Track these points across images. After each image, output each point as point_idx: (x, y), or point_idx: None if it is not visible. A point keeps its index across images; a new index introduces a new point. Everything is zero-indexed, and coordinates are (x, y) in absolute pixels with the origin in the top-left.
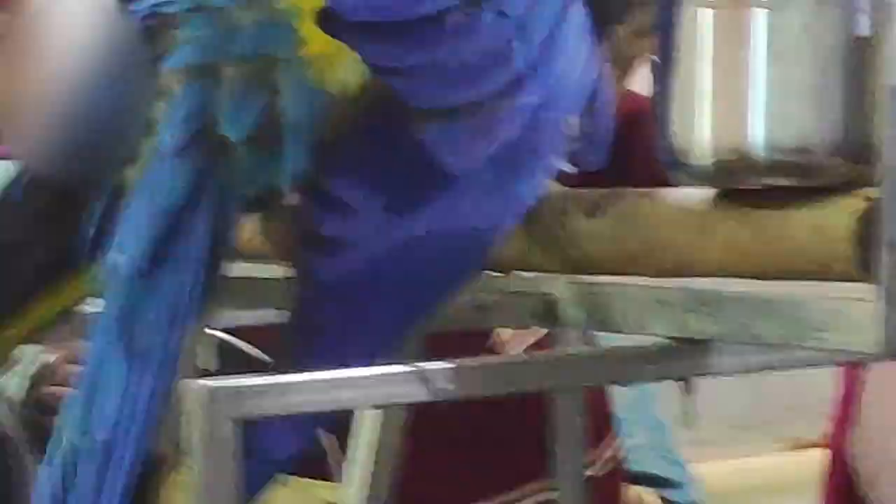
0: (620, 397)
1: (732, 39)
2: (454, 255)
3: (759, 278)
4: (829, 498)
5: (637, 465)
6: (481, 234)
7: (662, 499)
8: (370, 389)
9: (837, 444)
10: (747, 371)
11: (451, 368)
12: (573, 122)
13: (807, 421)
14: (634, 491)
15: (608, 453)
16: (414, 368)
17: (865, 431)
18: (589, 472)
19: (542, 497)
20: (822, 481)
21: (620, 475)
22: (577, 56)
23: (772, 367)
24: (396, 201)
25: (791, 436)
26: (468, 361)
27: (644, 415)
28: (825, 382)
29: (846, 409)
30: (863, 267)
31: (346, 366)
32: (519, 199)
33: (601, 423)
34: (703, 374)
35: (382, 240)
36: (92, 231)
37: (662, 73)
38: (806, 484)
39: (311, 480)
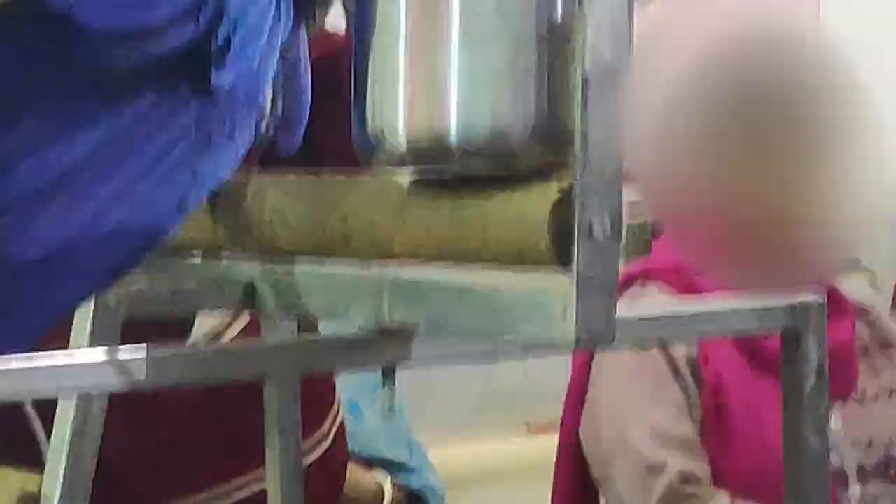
0: (350, 381)
1: (425, 19)
2: (125, 232)
3: (457, 264)
4: (561, 481)
5: (370, 449)
6: (159, 212)
7: (395, 484)
8: (64, 379)
9: (569, 429)
10: (449, 362)
11: (151, 357)
12: (264, 99)
13: (543, 404)
14: (371, 475)
15: (327, 440)
16: (111, 357)
17: (595, 417)
18: (309, 459)
19: (256, 487)
20: (556, 465)
21: (339, 459)
22: (267, 30)
23: (472, 358)
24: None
25: (527, 420)
26: (169, 350)
27: (375, 398)
28: (561, 364)
29: (577, 392)
30: (559, 256)
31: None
32: (204, 177)
33: (319, 408)
34: (405, 364)
35: (36, 207)
36: None
37: (358, 51)
38: (543, 468)
39: (4, 469)
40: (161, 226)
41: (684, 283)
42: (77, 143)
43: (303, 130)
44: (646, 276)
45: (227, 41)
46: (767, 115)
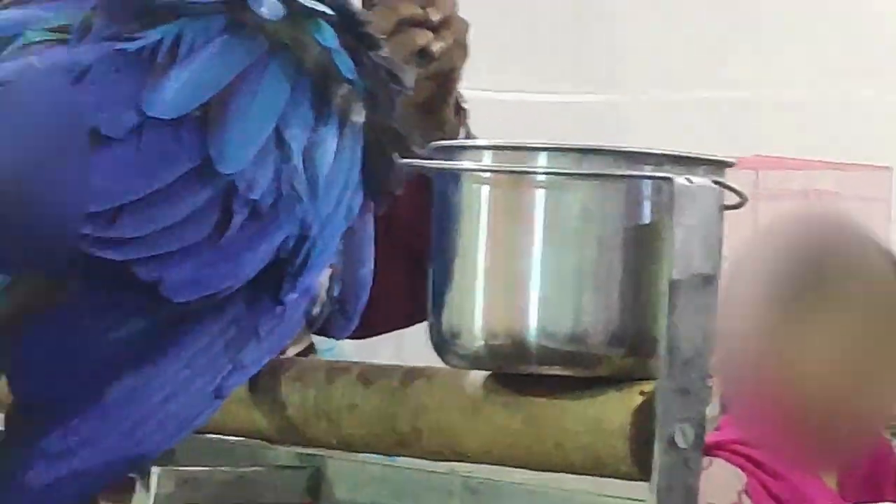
0: None
1: (508, 219)
2: (159, 418)
3: (530, 468)
4: None
5: None
6: (194, 399)
7: None
8: None
9: None
10: None
11: None
12: (322, 284)
13: None
14: None
15: None
16: None
17: None
18: None
19: None
20: None
21: None
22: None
23: None
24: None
25: None
26: None
27: None
28: None
29: None
30: (638, 464)
31: None
32: (245, 365)
33: None
34: None
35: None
36: None
37: (437, 243)
38: None
39: None
40: (196, 413)
41: (751, 459)
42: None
43: (359, 316)
44: (713, 448)
45: (304, 262)
46: (838, 311)
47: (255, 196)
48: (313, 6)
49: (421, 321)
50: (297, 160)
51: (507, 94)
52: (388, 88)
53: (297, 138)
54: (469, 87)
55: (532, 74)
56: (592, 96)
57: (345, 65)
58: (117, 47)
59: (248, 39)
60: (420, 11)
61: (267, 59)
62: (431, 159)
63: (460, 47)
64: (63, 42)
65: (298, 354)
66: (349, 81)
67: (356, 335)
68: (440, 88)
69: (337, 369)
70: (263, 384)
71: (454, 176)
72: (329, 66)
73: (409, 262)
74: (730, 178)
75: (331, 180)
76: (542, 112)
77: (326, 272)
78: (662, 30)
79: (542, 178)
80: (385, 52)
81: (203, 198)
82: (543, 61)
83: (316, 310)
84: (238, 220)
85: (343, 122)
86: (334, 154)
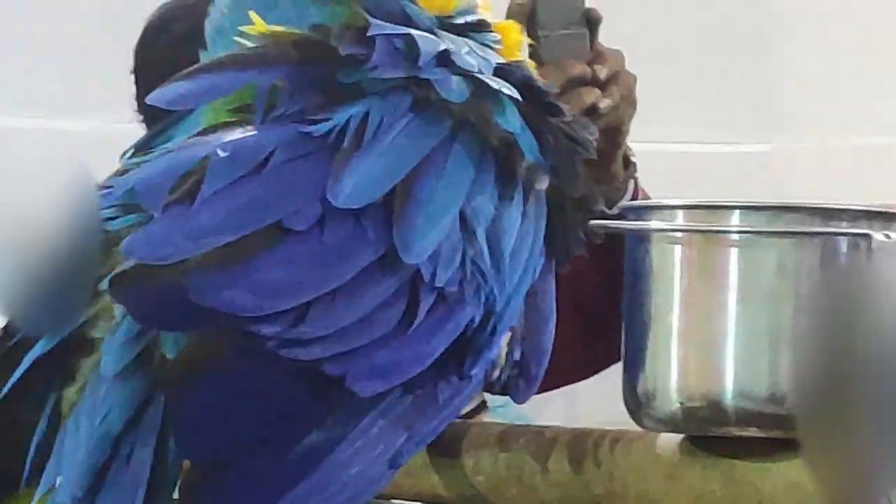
0: None
1: (702, 278)
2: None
3: None
4: None
5: None
6: (370, 469)
7: None
8: None
9: None
10: None
11: None
12: (502, 348)
13: None
14: None
15: None
16: None
17: None
18: None
19: None
20: None
21: None
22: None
23: None
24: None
25: None
26: None
27: None
28: None
29: None
30: None
31: None
32: (421, 435)
33: None
34: None
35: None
36: (32, 453)
37: (628, 306)
38: None
39: None
40: (370, 482)
41: None
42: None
43: (540, 381)
44: None
45: (490, 336)
46: None
47: (440, 283)
48: (497, 84)
49: (590, 376)
50: (482, 240)
51: (673, 146)
52: (572, 156)
53: (481, 218)
54: (636, 140)
55: (695, 126)
56: (755, 146)
57: (528, 145)
58: (303, 130)
59: (433, 120)
60: (588, 70)
61: (451, 139)
62: (621, 218)
63: (628, 102)
64: (243, 123)
65: (469, 413)
66: (539, 162)
67: None
68: (609, 143)
69: (526, 432)
70: (443, 448)
71: (646, 236)
72: (514, 144)
73: (578, 316)
74: None
75: (515, 253)
76: (708, 163)
77: (507, 335)
78: (824, 76)
79: (735, 236)
80: (567, 118)
81: (388, 289)
82: (705, 112)
83: (495, 374)
84: (424, 308)
85: (527, 194)
86: (518, 227)
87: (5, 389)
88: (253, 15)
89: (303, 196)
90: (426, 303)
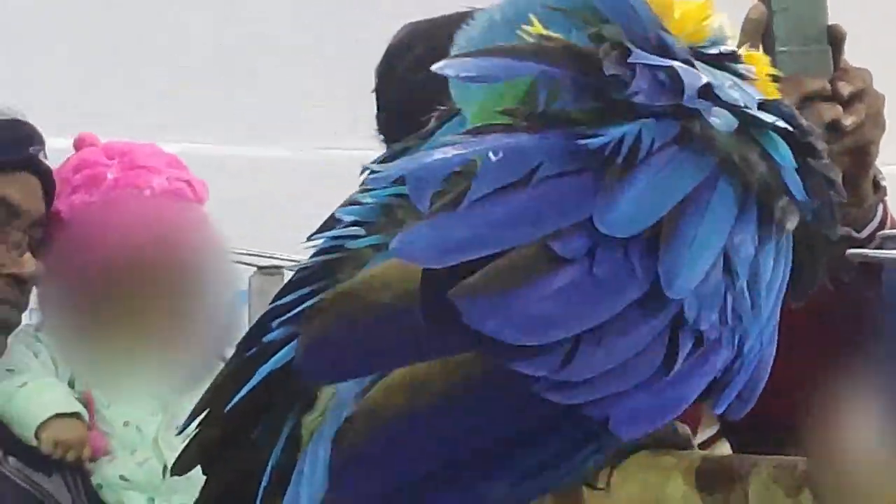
0: None
1: None
2: None
3: None
4: None
5: None
6: None
7: None
8: None
9: None
10: None
11: None
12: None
13: None
14: None
15: None
16: None
17: None
18: None
19: None
20: None
21: None
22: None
23: None
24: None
25: None
26: None
27: None
28: None
29: None
30: None
31: None
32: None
33: None
34: None
35: None
36: (267, 479)
37: (891, 340)
38: None
39: None
40: None
41: None
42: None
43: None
44: None
45: (737, 375)
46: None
47: (704, 326)
48: (767, 118)
49: (821, 412)
50: (743, 284)
51: None
52: (829, 199)
53: (743, 260)
54: (886, 163)
55: None
56: None
57: (795, 185)
58: (576, 142)
59: (700, 153)
60: (827, 86)
61: (717, 175)
62: (873, 244)
63: (875, 122)
64: (513, 127)
65: (706, 442)
66: (798, 201)
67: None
68: (856, 164)
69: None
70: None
71: None
72: (777, 183)
73: (811, 348)
74: None
75: (769, 296)
76: None
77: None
78: None
79: None
80: (826, 160)
81: (653, 329)
82: None
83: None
84: (684, 350)
85: (781, 235)
86: (772, 268)
87: (235, 400)
88: (532, 17)
89: (570, 216)
90: (686, 345)
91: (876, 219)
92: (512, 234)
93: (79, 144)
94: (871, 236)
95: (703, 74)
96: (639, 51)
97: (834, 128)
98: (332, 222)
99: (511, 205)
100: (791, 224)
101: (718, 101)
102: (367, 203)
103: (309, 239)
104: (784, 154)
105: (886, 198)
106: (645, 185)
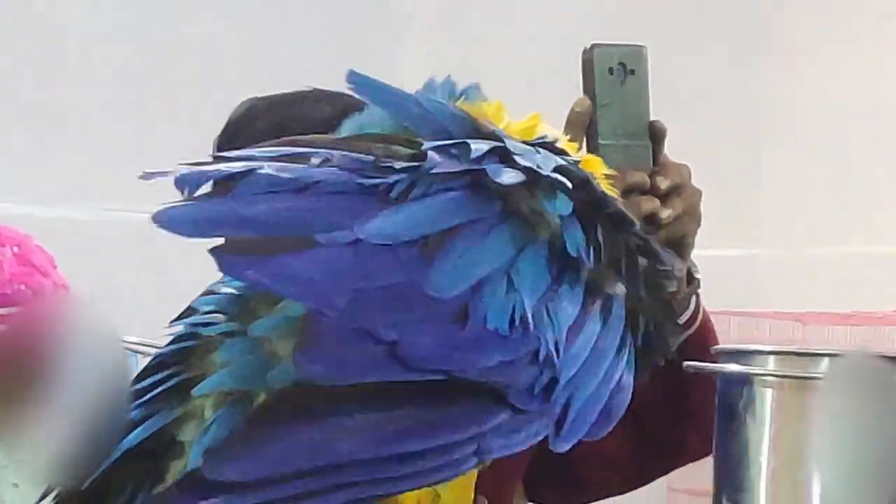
0: None
1: (794, 422)
2: None
3: None
4: None
5: None
6: None
7: None
8: None
9: None
10: None
11: None
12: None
13: None
14: None
15: None
16: None
17: None
18: None
19: None
20: None
21: None
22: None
23: None
24: None
25: None
26: None
27: None
28: None
29: None
30: None
31: None
32: None
33: None
34: None
35: None
36: None
37: (721, 447)
38: None
39: None
40: None
41: None
42: None
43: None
44: None
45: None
46: None
47: (491, 326)
48: (551, 173)
49: (639, 486)
50: (533, 302)
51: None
52: (650, 269)
53: (528, 284)
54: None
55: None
56: (736, 251)
57: (572, 236)
58: (355, 179)
59: (483, 197)
60: (646, 179)
61: (499, 216)
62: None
63: (692, 216)
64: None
65: None
66: (574, 256)
67: (574, 500)
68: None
69: None
70: None
71: (742, 379)
72: (556, 230)
73: (634, 427)
74: None
75: (576, 338)
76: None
77: None
78: (807, 186)
79: (824, 381)
80: (640, 231)
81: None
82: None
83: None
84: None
85: (593, 294)
86: (576, 319)
87: (91, 479)
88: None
89: (333, 221)
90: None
91: (689, 310)
92: (274, 221)
93: None
94: (686, 325)
95: (505, 143)
96: (431, 142)
97: (651, 220)
98: (189, 311)
99: (279, 201)
100: (611, 289)
101: (513, 163)
102: (222, 292)
103: (170, 325)
104: (562, 205)
105: (700, 290)
106: (416, 209)
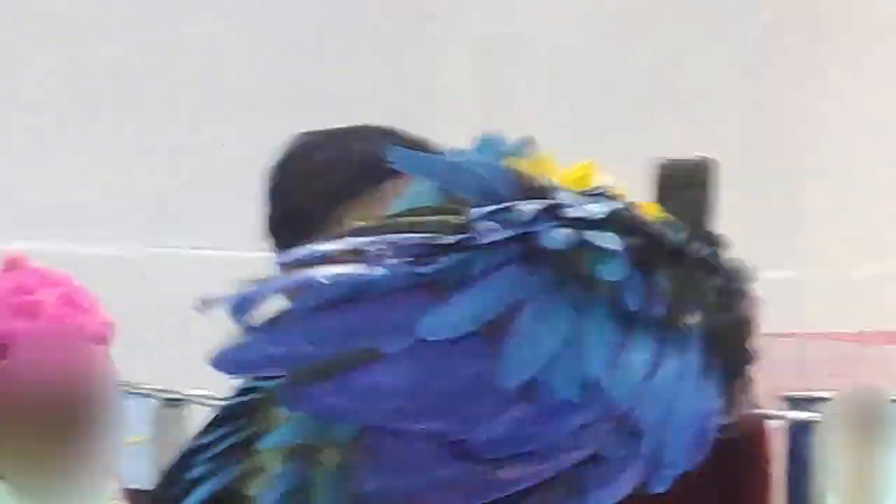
0: None
1: (863, 468)
2: None
3: None
4: None
5: None
6: None
7: None
8: None
9: None
10: None
11: None
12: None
13: None
14: None
15: None
16: None
17: None
18: None
19: None
20: None
21: None
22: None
23: None
24: None
25: None
26: None
27: None
28: None
29: None
30: None
31: None
32: None
33: None
34: None
35: None
36: None
37: (793, 493)
38: None
39: None
40: None
41: None
42: None
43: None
44: None
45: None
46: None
47: (560, 397)
48: (600, 237)
49: None
50: (603, 365)
51: None
52: (724, 288)
53: (596, 349)
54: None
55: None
56: (773, 273)
57: (631, 289)
58: (409, 269)
59: (536, 266)
60: None
61: (555, 284)
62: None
63: None
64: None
65: None
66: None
67: None
68: None
69: None
70: None
71: (810, 426)
72: (617, 292)
73: None
74: None
75: (652, 383)
76: None
77: None
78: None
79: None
80: (709, 253)
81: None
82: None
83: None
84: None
85: (665, 330)
86: (651, 359)
87: None
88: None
89: (393, 325)
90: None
91: None
92: (335, 340)
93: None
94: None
95: (557, 199)
96: (477, 209)
97: None
98: None
99: (334, 317)
100: (685, 320)
101: (565, 220)
102: None
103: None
104: (613, 266)
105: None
106: (473, 294)
